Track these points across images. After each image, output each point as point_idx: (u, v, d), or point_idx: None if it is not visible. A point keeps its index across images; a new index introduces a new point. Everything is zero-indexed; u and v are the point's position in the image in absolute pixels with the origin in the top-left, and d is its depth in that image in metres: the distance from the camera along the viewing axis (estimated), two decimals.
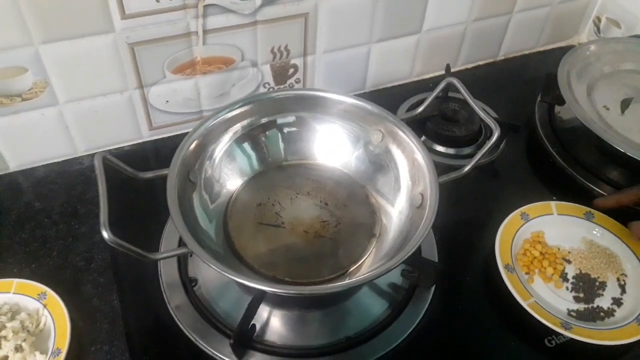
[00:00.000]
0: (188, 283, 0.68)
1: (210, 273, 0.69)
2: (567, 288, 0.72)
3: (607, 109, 0.86)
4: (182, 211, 0.60)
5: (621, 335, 0.65)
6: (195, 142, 0.67)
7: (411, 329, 0.65)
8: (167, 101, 0.85)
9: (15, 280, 0.67)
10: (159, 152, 0.88)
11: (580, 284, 0.72)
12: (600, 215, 0.77)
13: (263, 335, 0.64)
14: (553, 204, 0.78)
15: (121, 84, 0.79)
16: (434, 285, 0.69)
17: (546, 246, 0.75)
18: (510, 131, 0.87)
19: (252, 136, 0.73)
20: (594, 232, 0.77)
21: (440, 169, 0.66)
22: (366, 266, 0.67)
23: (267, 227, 0.70)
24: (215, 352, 0.62)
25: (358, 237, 0.69)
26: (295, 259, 0.67)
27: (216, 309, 0.66)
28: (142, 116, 0.85)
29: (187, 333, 0.64)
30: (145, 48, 0.77)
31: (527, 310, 0.65)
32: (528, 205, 0.77)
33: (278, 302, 0.67)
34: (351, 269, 0.66)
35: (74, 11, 0.69)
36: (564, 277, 0.73)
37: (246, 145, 0.73)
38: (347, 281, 0.58)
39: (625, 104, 0.87)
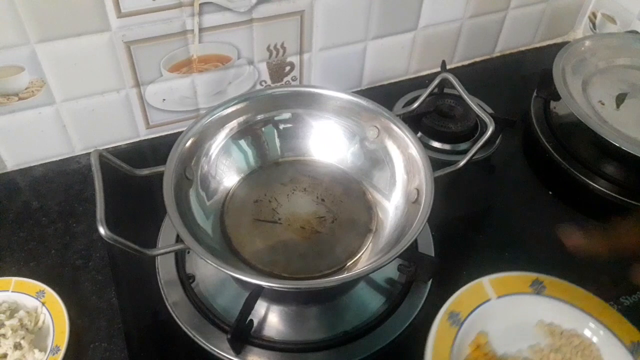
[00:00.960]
0: (186, 279, 0.68)
1: (207, 269, 0.69)
2: None
3: (603, 104, 0.86)
4: (179, 208, 0.60)
5: None
6: (192, 139, 0.67)
7: (408, 323, 0.65)
8: (164, 99, 0.85)
9: (14, 279, 0.67)
10: (156, 151, 0.88)
11: None
12: (553, 284, 0.61)
13: (261, 331, 0.65)
14: (485, 281, 0.58)
15: (118, 82, 0.80)
16: (430, 280, 0.69)
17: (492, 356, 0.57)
18: (506, 126, 0.87)
19: (249, 133, 0.74)
20: (550, 313, 0.60)
21: (437, 164, 0.67)
22: (363, 261, 0.67)
23: (264, 224, 0.70)
24: (213, 348, 0.62)
25: (354, 233, 0.69)
26: (292, 254, 0.67)
27: (214, 305, 0.66)
28: (139, 115, 0.86)
29: (185, 329, 0.64)
30: (141, 46, 0.77)
31: None
32: (454, 296, 0.59)
33: (275, 297, 0.67)
34: (348, 264, 0.66)
35: (69, 10, 0.69)
36: None
37: (242, 142, 0.74)
38: (343, 275, 0.59)
39: (620, 99, 0.87)
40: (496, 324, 0.58)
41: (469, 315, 0.57)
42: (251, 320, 0.63)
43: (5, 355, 0.60)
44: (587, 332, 0.59)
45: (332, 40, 0.90)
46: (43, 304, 0.65)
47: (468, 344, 0.57)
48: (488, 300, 0.58)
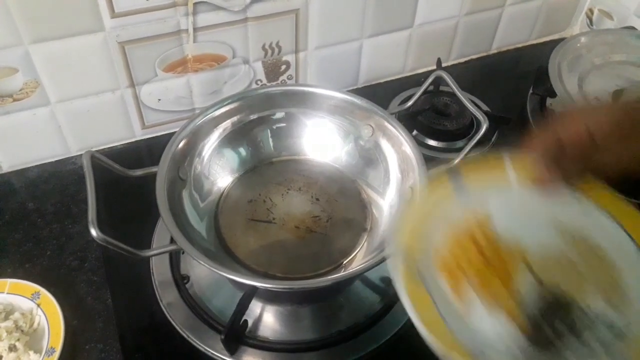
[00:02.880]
0: (180, 280, 0.68)
1: (202, 270, 0.69)
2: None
3: (599, 100, 0.86)
4: (172, 208, 0.60)
5: None
6: (185, 139, 0.67)
7: (403, 323, 0.65)
8: (159, 99, 0.85)
9: (9, 280, 0.67)
10: (152, 151, 0.88)
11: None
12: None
13: (256, 331, 0.65)
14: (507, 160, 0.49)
15: (112, 83, 0.80)
16: None
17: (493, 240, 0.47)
18: (501, 124, 0.87)
19: (242, 133, 0.74)
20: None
21: (433, 162, 0.67)
22: (358, 260, 0.67)
23: (258, 223, 0.70)
24: (207, 349, 0.62)
25: (349, 232, 0.69)
26: (287, 254, 0.67)
27: (208, 305, 0.66)
28: (135, 115, 0.86)
29: (179, 330, 0.64)
30: (135, 46, 0.77)
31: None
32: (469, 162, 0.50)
33: (270, 297, 0.67)
34: (343, 263, 0.66)
35: (63, 10, 0.69)
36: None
37: (236, 142, 0.74)
38: (337, 275, 0.58)
39: (616, 95, 0.87)
40: (504, 211, 0.48)
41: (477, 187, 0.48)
42: (245, 321, 0.63)
43: (0, 357, 0.60)
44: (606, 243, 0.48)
45: (327, 39, 0.90)
46: (38, 305, 0.65)
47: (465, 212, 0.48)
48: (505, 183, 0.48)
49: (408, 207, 0.46)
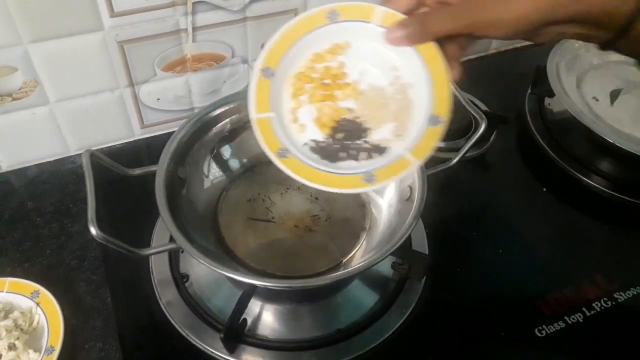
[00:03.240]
0: (179, 279, 0.68)
1: (201, 269, 0.69)
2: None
3: (597, 100, 0.86)
4: (171, 207, 0.60)
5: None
6: (184, 138, 0.67)
7: (402, 321, 0.66)
8: (159, 99, 0.85)
9: (8, 279, 0.67)
10: (151, 150, 0.88)
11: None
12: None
13: (255, 330, 0.65)
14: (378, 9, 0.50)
15: (112, 82, 0.80)
16: (424, 277, 0.69)
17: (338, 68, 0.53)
18: (500, 123, 0.87)
19: (241, 132, 0.73)
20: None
21: (432, 162, 0.67)
22: (357, 259, 0.67)
23: (257, 222, 0.70)
24: (207, 347, 0.63)
25: (348, 231, 0.69)
26: (286, 253, 0.67)
27: (208, 304, 0.67)
28: (134, 114, 0.86)
29: (178, 328, 0.64)
30: (135, 46, 0.77)
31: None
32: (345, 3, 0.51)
33: (269, 296, 0.67)
34: (342, 262, 0.66)
35: (62, 9, 0.69)
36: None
37: (235, 141, 0.74)
38: (335, 273, 0.59)
39: (614, 95, 0.87)
40: (360, 49, 0.53)
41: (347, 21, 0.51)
42: (245, 319, 0.63)
43: (0, 356, 0.61)
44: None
45: None
46: (38, 304, 0.65)
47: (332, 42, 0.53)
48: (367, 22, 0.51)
49: (283, 29, 0.51)
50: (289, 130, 0.52)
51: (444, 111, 0.50)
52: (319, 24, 0.51)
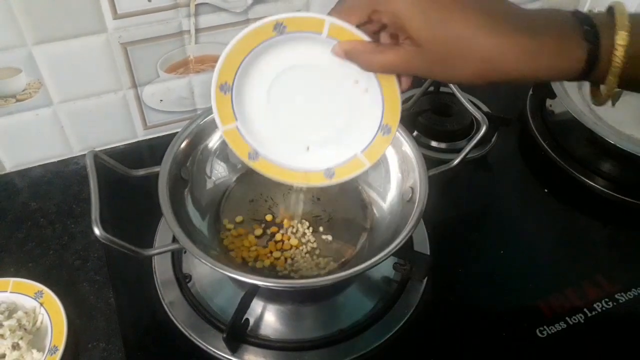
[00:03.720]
0: (182, 279, 0.69)
1: (203, 269, 0.69)
2: None
3: None
4: (174, 208, 0.61)
5: None
6: (187, 139, 0.67)
7: (403, 321, 0.66)
8: (161, 100, 0.86)
9: (12, 280, 0.67)
10: (154, 151, 0.89)
11: None
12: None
13: (257, 330, 0.65)
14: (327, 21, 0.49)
15: (115, 83, 0.80)
16: (426, 278, 0.69)
17: None
18: (501, 124, 0.88)
19: None
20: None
21: (434, 163, 0.67)
22: (358, 260, 0.67)
23: (259, 223, 0.70)
24: (209, 347, 0.63)
25: (350, 232, 0.70)
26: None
27: (210, 304, 0.67)
28: (137, 115, 0.86)
29: (181, 328, 0.65)
30: (138, 47, 0.77)
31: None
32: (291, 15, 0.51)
33: (272, 296, 0.67)
34: (343, 263, 0.67)
35: (66, 11, 0.70)
36: None
37: None
38: (337, 274, 0.59)
39: (615, 96, 0.87)
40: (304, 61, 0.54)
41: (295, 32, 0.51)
42: (247, 319, 0.63)
43: (3, 356, 0.61)
44: None
45: None
46: (41, 304, 0.65)
47: None
48: (319, 33, 0.50)
49: (230, 44, 0.52)
50: (255, 129, 0.58)
51: (394, 122, 0.56)
52: (266, 37, 0.51)
